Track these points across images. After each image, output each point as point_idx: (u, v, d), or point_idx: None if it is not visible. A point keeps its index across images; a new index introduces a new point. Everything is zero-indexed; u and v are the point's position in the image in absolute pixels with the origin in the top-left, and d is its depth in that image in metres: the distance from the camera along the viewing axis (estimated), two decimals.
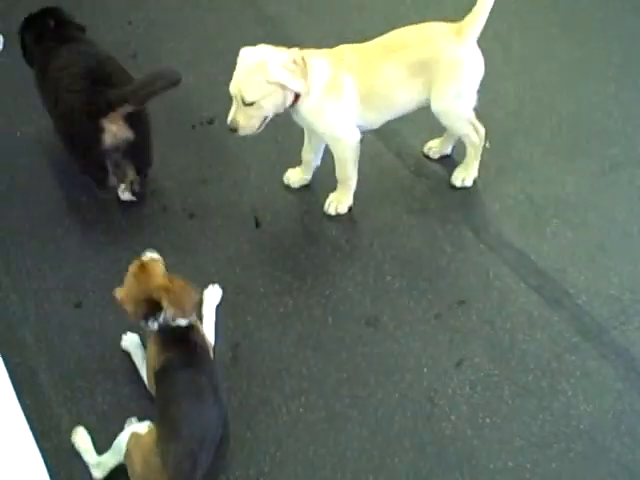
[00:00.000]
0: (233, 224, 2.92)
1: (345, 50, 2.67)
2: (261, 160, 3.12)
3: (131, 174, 2.98)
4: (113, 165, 2.89)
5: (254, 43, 2.66)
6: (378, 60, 2.64)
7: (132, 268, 2.32)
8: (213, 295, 2.64)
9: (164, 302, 2.22)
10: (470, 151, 2.87)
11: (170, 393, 2.22)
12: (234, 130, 2.63)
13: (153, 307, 2.24)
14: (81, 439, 2.32)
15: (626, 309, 2.56)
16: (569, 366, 2.43)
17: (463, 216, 2.87)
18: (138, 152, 2.92)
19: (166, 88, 2.71)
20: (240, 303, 2.67)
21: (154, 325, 2.26)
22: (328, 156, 2.85)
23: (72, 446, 2.32)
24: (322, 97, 2.63)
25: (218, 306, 2.63)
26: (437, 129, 2.91)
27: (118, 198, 3.02)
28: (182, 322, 2.28)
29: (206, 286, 2.65)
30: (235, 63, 2.60)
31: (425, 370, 2.46)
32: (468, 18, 2.61)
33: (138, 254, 2.74)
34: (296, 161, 2.98)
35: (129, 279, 2.31)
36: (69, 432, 2.35)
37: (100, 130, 2.73)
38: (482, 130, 2.82)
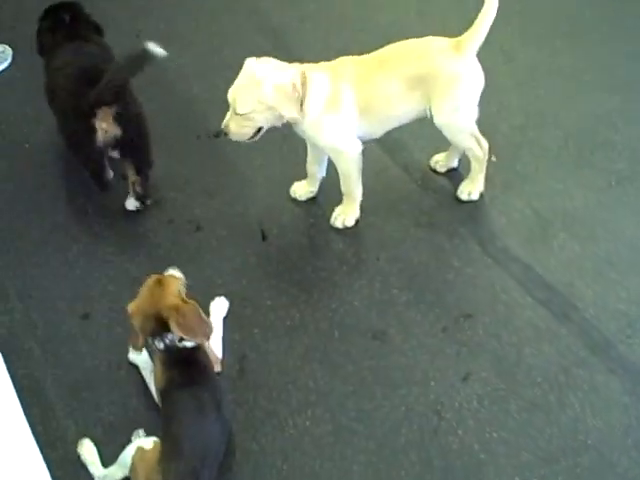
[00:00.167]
0: (239, 236, 2.93)
1: (344, 62, 2.68)
2: (268, 172, 3.12)
3: (132, 175, 3.00)
4: (109, 162, 2.94)
5: (258, 54, 2.67)
6: (376, 73, 2.65)
7: (149, 281, 2.29)
8: (220, 307, 2.63)
9: (172, 323, 2.18)
10: (474, 165, 2.87)
11: (172, 411, 2.20)
12: (225, 134, 2.66)
13: (161, 325, 2.21)
14: (87, 451, 2.32)
15: (633, 323, 2.55)
16: (576, 380, 2.42)
17: (470, 230, 2.87)
18: (135, 151, 2.94)
19: (136, 71, 2.75)
20: (247, 316, 2.67)
21: (160, 345, 2.23)
22: (333, 169, 2.85)
23: (78, 457, 2.32)
24: (322, 112, 2.64)
25: (225, 318, 2.63)
26: (443, 143, 2.92)
27: (125, 209, 3.03)
28: (188, 344, 2.25)
29: (213, 298, 2.65)
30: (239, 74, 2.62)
31: (432, 383, 2.45)
32: (468, 33, 2.62)
33: (144, 266, 2.77)
34: (302, 174, 2.98)
35: (143, 292, 2.27)
36: (75, 443, 2.35)
37: (91, 129, 2.76)
38: (485, 144, 2.82)
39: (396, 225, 2.90)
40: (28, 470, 2.08)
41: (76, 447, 2.34)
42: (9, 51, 3.71)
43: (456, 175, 3.03)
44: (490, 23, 2.60)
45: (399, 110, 2.71)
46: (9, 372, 2.34)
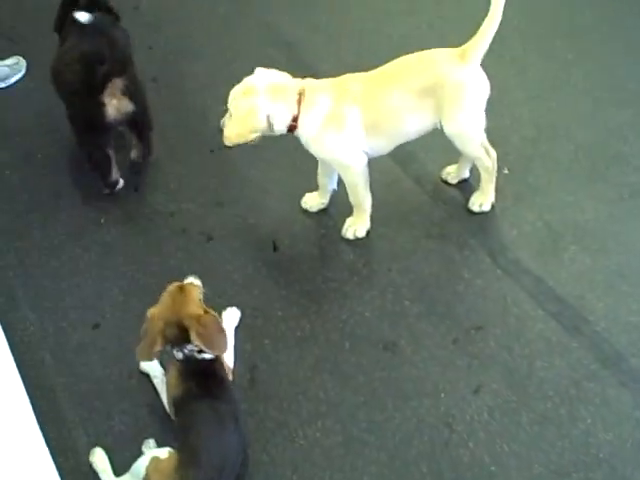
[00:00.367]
0: (251, 247, 2.94)
1: (349, 80, 2.69)
2: (279, 184, 3.14)
3: (135, 141, 3.21)
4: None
5: (271, 67, 2.71)
6: (384, 88, 2.65)
7: (171, 288, 2.29)
8: (231, 317, 2.64)
9: (192, 333, 2.18)
10: (484, 175, 2.88)
11: (190, 421, 2.20)
12: (222, 131, 2.73)
13: (181, 334, 2.20)
14: (99, 459, 2.33)
15: None
16: (588, 393, 2.41)
17: (480, 241, 2.87)
18: (141, 123, 3.12)
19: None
20: (258, 326, 2.67)
21: (179, 354, 2.24)
22: (343, 181, 2.86)
23: (90, 466, 2.32)
24: (322, 128, 2.65)
25: (236, 328, 2.63)
26: (455, 154, 2.92)
27: (136, 222, 3.04)
28: (207, 356, 2.25)
29: (224, 308, 2.66)
30: None
31: (443, 395, 2.45)
32: (472, 41, 2.63)
33: (156, 276, 2.79)
34: (314, 185, 2.99)
35: (165, 298, 2.27)
36: (86, 452, 2.36)
37: (101, 105, 2.86)
38: (494, 154, 2.82)
39: (407, 236, 2.91)
40: (41, 478, 2.09)
41: (87, 456, 2.34)
42: (23, 62, 3.75)
43: (467, 187, 3.03)
44: (494, 31, 2.60)
45: (409, 125, 2.71)
46: (22, 381, 2.37)
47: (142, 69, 3.09)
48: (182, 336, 2.21)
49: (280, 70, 2.72)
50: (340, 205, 2.93)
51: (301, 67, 3.40)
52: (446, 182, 3.06)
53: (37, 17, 4.01)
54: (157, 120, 3.26)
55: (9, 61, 3.71)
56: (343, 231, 2.91)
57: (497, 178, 2.90)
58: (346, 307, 2.71)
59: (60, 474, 2.14)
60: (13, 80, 3.71)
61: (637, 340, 2.53)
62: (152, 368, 2.51)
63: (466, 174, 3.04)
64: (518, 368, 2.50)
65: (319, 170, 2.92)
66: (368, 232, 2.90)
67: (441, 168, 3.07)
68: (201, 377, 2.25)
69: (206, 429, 2.17)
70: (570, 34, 3.72)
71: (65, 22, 3.07)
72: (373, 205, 2.88)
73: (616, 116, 3.29)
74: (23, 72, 3.74)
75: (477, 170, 2.90)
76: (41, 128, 3.49)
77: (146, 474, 2.15)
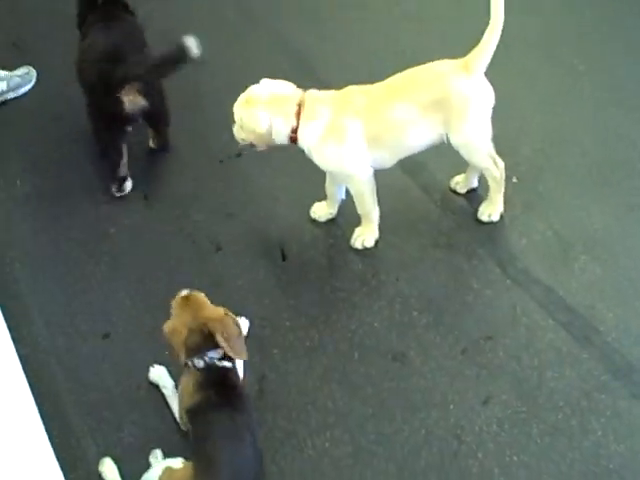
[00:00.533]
0: (260, 257, 2.94)
1: (352, 92, 2.69)
2: (288, 194, 3.14)
3: (151, 133, 3.34)
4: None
5: (281, 77, 2.74)
6: (387, 102, 2.65)
7: (179, 299, 2.30)
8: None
9: (217, 335, 2.19)
10: (492, 185, 2.87)
11: (206, 431, 2.18)
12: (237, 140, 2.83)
13: (204, 340, 2.21)
14: (108, 469, 2.32)
15: None
16: (599, 405, 2.40)
17: (490, 251, 2.86)
18: (157, 119, 3.26)
19: (175, 68, 2.96)
20: (266, 336, 2.67)
21: (199, 363, 2.22)
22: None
23: (99, 476, 2.32)
24: (322, 140, 2.66)
25: (244, 338, 2.63)
26: (464, 163, 2.91)
27: (147, 231, 3.05)
28: (227, 363, 2.25)
29: None
30: None
31: (451, 407, 2.44)
32: (474, 52, 2.63)
33: (165, 286, 2.79)
34: (322, 195, 2.99)
35: (178, 309, 2.27)
36: (95, 463, 2.35)
37: (119, 102, 2.97)
38: (501, 163, 2.82)
39: (416, 246, 2.90)
40: None
41: (96, 467, 2.34)
42: (33, 72, 3.76)
43: (476, 196, 3.02)
44: (496, 41, 2.60)
45: (412, 138, 2.71)
46: (31, 391, 2.38)
47: None
48: (204, 343, 2.21)
49: (289, 79, 2.75)
50: (349, 215, 2.93)
51: (310, 76, 3.41)
52: (455, 191, 3.05)
53: (46, 27, 4.06)
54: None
55: (20, 71, 3.72)
56: (352, 241, 2.90)
57: (506, 187, 2.89)
58: (355, 317, 2.71)
59: None
60: (24, 90, 3.72)
61: None
62: (162, 379, 2.51)
63: (475, 183, 3.03)
64: (528, 378, 2.48)
65: (327, 180, 2.92)
66: (377, 242, 2.90)
67: (450, 177, 3.07)
68: (220, 387, 2.23)
69: (223, 440, 2.16)
70: (579, 43, 3.71)
71: (86, 19, 3.23)
72: (381, 214, 2.87)
73: (626, 125, 3.28)
74: (33, 82, 3.75)
75: (486, 180, 2.90)
76: (51, 138, 3.50)
77: None
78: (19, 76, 3.70)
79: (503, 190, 2.88)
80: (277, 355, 2.62)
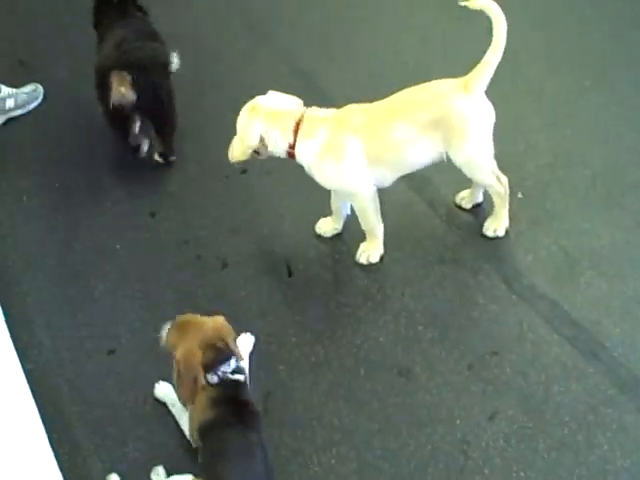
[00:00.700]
0: (266, 273, 2.94)
1: (353, 111, 2.71)
2: (293, 210, 3.15)
3: (153, 134, 3.34)
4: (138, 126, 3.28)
5: (287, 94, 2.77)
6: (387, 121, 2.66)
7: (177, 327, 2.30)
8: (246, 343, 2.64)
9: (230, 341, 2.23)
10: (497, 201, 2.87)
11: (218, 448, 2.18)
12: None
13: (216, 354, 2.22)
14: None
15: None
16: (605, 419, 2.39)
17: (495, 266, 2.86)
18: (154, 117, 3.26)
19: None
20: (271, 352, 2.67)
21: (213, 378, 2.22)
22: None
23: None
24: (321, 158, 2.68)
25: (250, 355, 2.63)
26: (469, 179, 2.91)
27: (152, 247, 3.06)
28: (240, 377, 2.26)
29: (238, 334, 2.66)
30: None
31: (458, 422, 2.43)
32: (475, 71, 2.63)
33: (171, 302, 2.80)
34: (328, 211, 3.00)
35: (181, 335, 2.27)
36: (101, 479, 2.35)
37: (107, 86, 3.06)
38: (505, 179, 2.82)
39: (421, 261, 2.90)
40: None
41: None
42: (40, 89, 3.79)
43: (481, 211, 3.02)
44: (498, 61, 2.61)
45: (412, 157, 2.71)
46: (37, 407, 2.38)
47: None
48: (217, 357, 2.22)
49: (295, 95, 2.77)
50: (354, 230, 2.93)
51: (318, 95, 3.43)
52: (460, 207, 3.06)
53: (54, 45, 4.08)
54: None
55: (27, 88, 3.75)
56: (357, 256, 2.91)
57: (511, 203, 2.89)
58: (360, 332, 2.71)
59: None
60: (31, 107, 3.74)
61: None
62: (168, 396, 2.50)
63: (480, 198, 3.03)
64: (534, 394, 2.48)
65: (332, 196, 2.93)
66: (382, 257, 2.90)
67: (455, 192, 3.07)
68: (232, 403, 2.24)
69: (235, 457, 2.16)
70: (585, 60, 3.71)
71: (102, 20, 3.36)
72: (387, 229, 2.88)
73: (632, 142, 3.28)
74: (40, 99, 3.78)
75: (491, 195, 2.90)
76: (59, 155, 3.52)
77: None
78: (26, 93, 3.73)
79: (508, 206, 2.88)
80: (283, 371, 2.62)
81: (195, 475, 2.20)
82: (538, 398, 2.46)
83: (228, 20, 4.21)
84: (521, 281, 2.79)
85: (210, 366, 2.22)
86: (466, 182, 2.98)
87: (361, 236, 2.89)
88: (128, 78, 3.04)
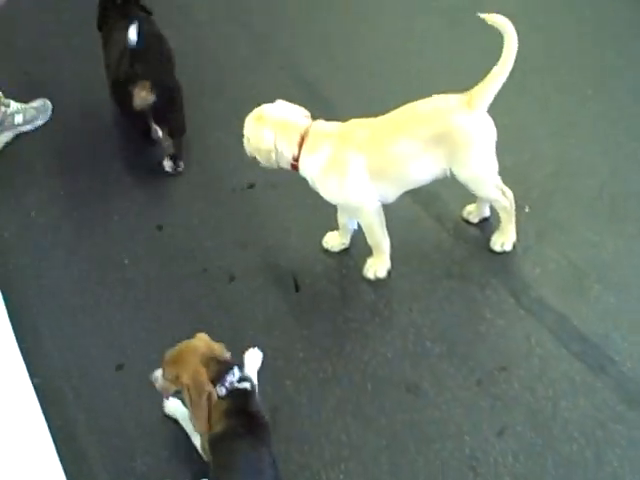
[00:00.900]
0: (273, 287, 2.95)
1: (356, 126, 2.70)
2: (300, 224, 3.15)
3: (166, 138, 3.42)
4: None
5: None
6: (390, 136, 2.65)
7: (174, 356, 2.29)
8: (254, 358, 2.64)
9: (225, 353, 2.24)
10: (503, 216, 2.87)
11: (228, 461, 2.17)
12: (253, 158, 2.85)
13: (219, 366, 2.24)
14: None
15: None
16: (614, 435, 2.38)
17: (503, 281, 2.85)
18: (168, 117, 3.37)
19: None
20: (279, 367, 2.67)
21: (222, 390, 2.22)
22: None
23: None
24: (324, 172, 2.68)
25: (258, 370, 2.63)
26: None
27: (158, 259, 3.07)
28: (247, 385, 2.26)
29: (246, 349, 2.66)
30: None
31: (466, 438, 2.42)
32: (479, 87, 2.62)
33: (178, 316, 2.81)
34: (335, 225, 3.00)
35: (180, 361, 2.27)
36: None
37: (129, 95, 3.19)
38: (510, 194, 2.81)
39: (428, 276, 2.90)
40: None
41: None
42: (49, 104, 3.81)
43: (488, 225, 3.02)
44: (504, 78, 2.60)
45: (415, 172, 2.71)
46: (46, 421, 2.39)
47: None
48: (220, 368, 2.24)
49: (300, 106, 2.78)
50: (361, 245, 2.93)
51: (321, 105, 3.42)
52: (467, 221, 3.05)
53: (62, 60, 4.10)
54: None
55: (35, 103, 3.77)
56: (364, 271, 2.91)
57: (518, 217, 2.89)
58: (368, 348, 2.70)
59: None
60: (39, 122, 3.76)
61: None
62: (178, 411, 2.50)
63: (487, 213, 3.03)
64: (542, 409, 2.47)
65: (338, 210, 2.93)
66: (389, 272, 2.90)
67: (462, 207, 3.07)
68: (242, 414, 2.23)
69: (244, 470, 2.15)
70: (589, 69, 3.71)
71: (107, 21, 3.45)
72: (394, 244, 2.87)
73: (637, 151, 3.27)
74: (49, 114, 3.79)
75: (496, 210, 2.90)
76: (66, 170, 3.54)
77: None
78: (35, 108, 3.74)
79: (514, 220, 2.88)
80: (290, 387, 2.62)
81: None
82: (546, 414, 2.46)
83: (232, 32, 4.23)
84: (529, 295, 2.79)
85: (217, 378, 2.23)
86: (473, 196, 2.97)
87: (368, 251, 2.89)
88: (148, 84, 3.17)
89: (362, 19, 4.21)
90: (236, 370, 2.26)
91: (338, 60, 3.95)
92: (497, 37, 2.58)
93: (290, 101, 2.79)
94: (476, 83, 2.63)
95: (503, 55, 2.58)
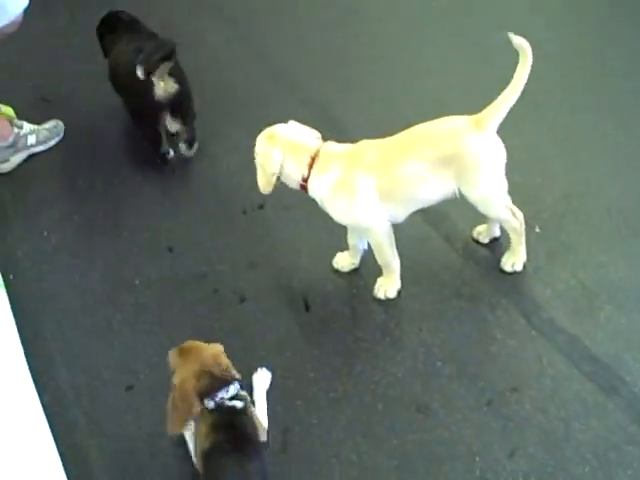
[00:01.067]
0: (283, 307, 2.95)
1: (366, 147, 2.72)
2: (311, 244, 3.16)
3: (180, 128, 3.52)
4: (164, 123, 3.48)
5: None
6: (400, 157, 2.66)
7: (177, 353, 2.33)
8: (263, 379, 2.64)
9: (228, 365, 2.24)
10: (513, 236, 2.87)
11: (214, 477, 2.18)
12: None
13: (211, 381, 2.23)
14: None
15: None
16: (626, 457, 2.36)
17: (514, 301, 2.84)
18: (184, 105, 3.48)
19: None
20: (289, 387, 2.67)
21: (210, 404, 2.22)
22: None
23: None
24: (333, 193, 2.69)
25: (267, 390, 2.63)
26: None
27: (169, 277, 3.08)
28: (238, 404, 2.25)
29: (255, 370, 2.66)
30: None
31: (477, 459, 2.41)
32: (489, 110, 2.63)
33: (189, 336, 2.77)
34: (345, 245, 3.01)
35: (180, 362, 2.29)
36: None
37: (152, 85, 3.29)
38: (520, 214, 2.82)
39: (438, 296, 2.90)
40: None
41: None
42: (61, 126, 3.84)
43: (499, 246, 3.02)
44: (514, 101, 2.61)
45: (424, 193, 2.72)
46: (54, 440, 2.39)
47: None
48: (212, 384, 2.23)
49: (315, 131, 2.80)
50: (371, 265, 2.93)
51: (332, 127, 3.45)
52: (477, 241, 3.05)
53: (74, 82, 4.15)
54: (190, 182, 3.40)
55: (48, 124, 3.80)
56: (374, 291, 2.91)
57: (529, 237, 2.89)
58: (378, 368, 2.70)
59: None
60: (52, 143, 3.80)
61: None
62: (189, 432, 2.49)
63: (497, 233, 3.03)
64: (554, 430, 2.45)
65: (349, 230, 2.94)
66: (399, 292, 2.90)
67: (472, 227, 3.07)
68: (229, 429, 2.22)
69: None
70: (600, 89, 3.73)
71: (105, 37, 3.69)
72: (404, 264, 2.88)
73: None
74: (61, 135, 3.83)
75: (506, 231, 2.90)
76: (79, 190, 3.57)
77: None
78: (47, 129, 3.78)
79: (525, 240, 2.88)
80: (300, 407, 2.61)
81: None
82: (558, 435, 2.44)
83: (243, 55, 4.27)
84: (540, 315, 2.78)
85: (205, 393, 2.22)
86: (483, 216, 2.98)
87: (378, 271, 2.90)
88: (167, 69, 3.29)
89: (373, 41, 4.26)
90: (232, 388, 2.25)
91: (349, 81, 3.99)
92: (510, 61, 2.61)
93: (301, 122, 2.82)
94: (488, 103, 2.65)
95: (515, 78, 2.60)
